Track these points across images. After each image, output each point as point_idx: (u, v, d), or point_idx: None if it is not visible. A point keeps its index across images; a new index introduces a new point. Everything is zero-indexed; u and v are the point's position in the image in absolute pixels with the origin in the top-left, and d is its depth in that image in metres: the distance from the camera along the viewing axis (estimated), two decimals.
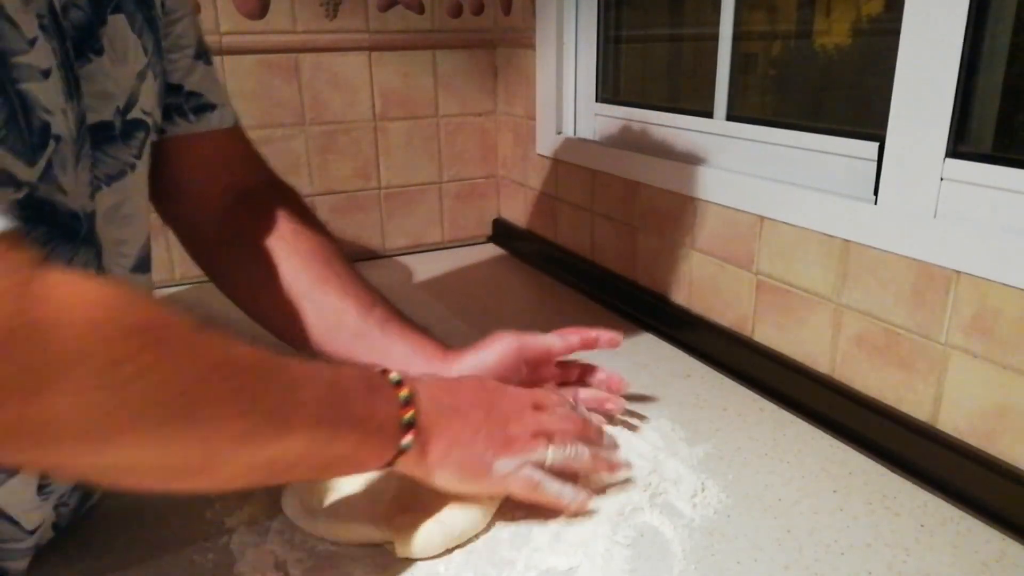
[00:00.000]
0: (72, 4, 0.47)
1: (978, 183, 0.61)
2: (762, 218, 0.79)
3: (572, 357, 0.72)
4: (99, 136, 0.51)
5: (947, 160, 0.62)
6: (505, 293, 1.14)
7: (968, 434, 0.62)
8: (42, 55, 0.42)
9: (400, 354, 0.64)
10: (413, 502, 0.55)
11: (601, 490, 0.59)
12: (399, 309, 0.68)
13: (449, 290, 1.12)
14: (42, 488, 0.49)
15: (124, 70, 0.52)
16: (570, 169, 1.13)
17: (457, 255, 1.30)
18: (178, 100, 0.63)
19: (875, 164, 0.69)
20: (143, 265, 0.58)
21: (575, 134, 1.15)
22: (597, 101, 1.12)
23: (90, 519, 0.57)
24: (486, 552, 0.54)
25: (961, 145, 0.62)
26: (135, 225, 0.56)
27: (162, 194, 0.64)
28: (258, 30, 1.11)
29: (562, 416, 0.59)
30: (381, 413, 0.48)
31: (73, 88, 0.46)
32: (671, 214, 0.93)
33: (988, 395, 0.60)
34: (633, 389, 0.78)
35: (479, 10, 1.24)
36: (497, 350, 0.65)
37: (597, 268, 1.08)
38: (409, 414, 0.49)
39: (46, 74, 0.42)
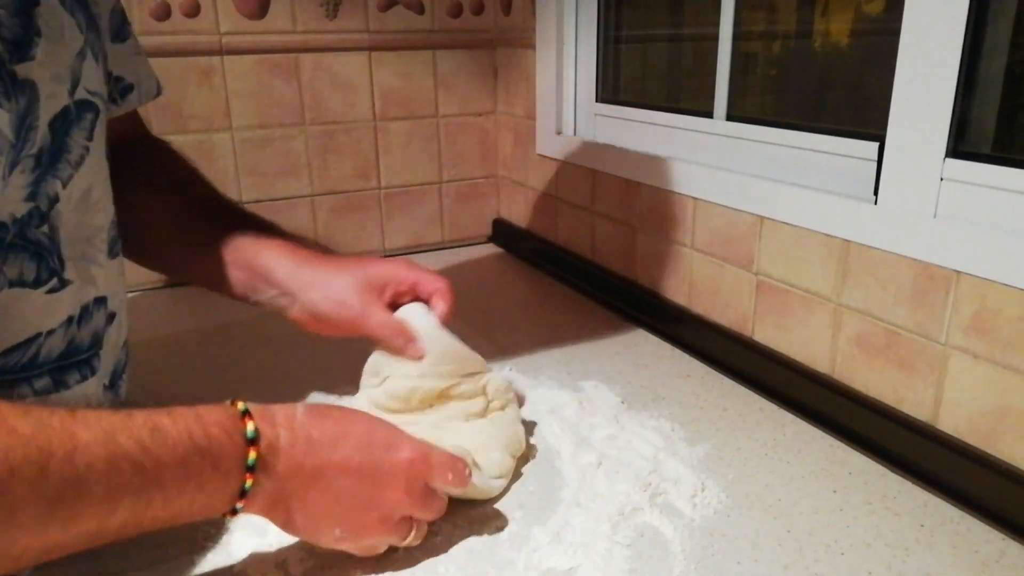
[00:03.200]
0: None
1: (978, 183, 0.61)
2: (762, 218, 0.79)
3: None
4: (66, 122, 0.50)
5: (947, 160, 0.62)
6: (505, 293, 1.14)
7: (968, 434, 0.62)
8: None
9: (268, 264, 0.65)
10: None
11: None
12: (261, 220, 0.71)
13: None
14: None
15: (63, 50, 0.49)
16: (570, 169, 1.13)
17: (457, 255, 1.30)
18: (108, 87, 0.62)
19: (875, 164, 0.69)
20: (114, 249, 0.58)
21: (575, 134, 1.15)
22: (597, 101, 1.12)
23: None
24: (486, 552, 0.54)
25: (961, 145, 0.62)
26: (105, 209, 0.56)
27: None
28: (258, 30, 1.11)
29: (441, 505, 0.53)
30: (215, 486, 0.44)
31: (8, 90, 0.44)
32: (671, 214, 0.92)
33: (988, 395, 0.60)
34: (633, 389, 0.78)
35: (479, 10, 1.24)
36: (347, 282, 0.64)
37: (597, 268, 1.08)
38: (248, 482, 0.44)
39: None
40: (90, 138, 0.53)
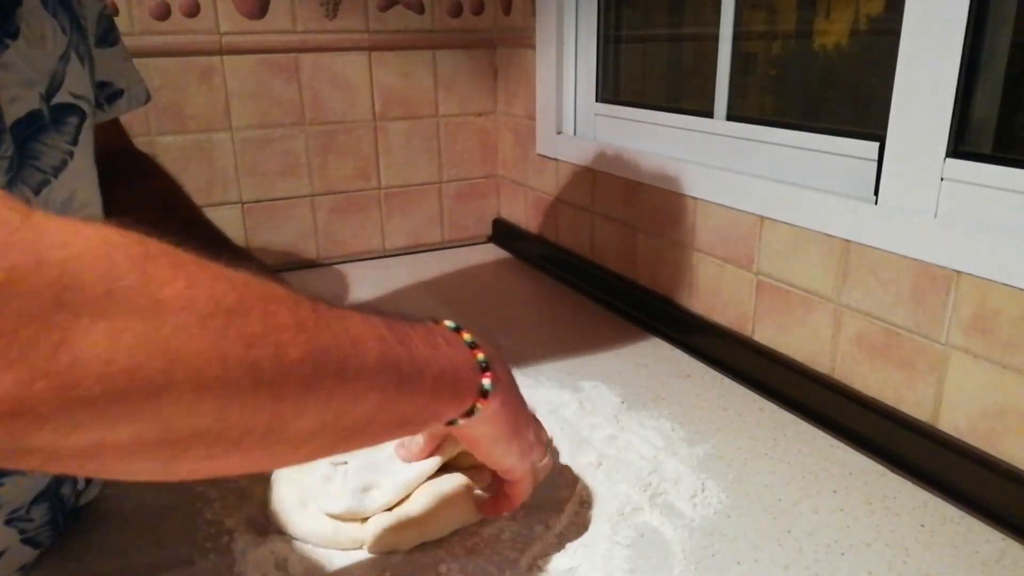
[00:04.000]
0: None
1: (978, 183, 0.61)
2: (762, 218, 0.79)
3: None
4: (32, 127, 0.48)
5: (947, 160, 0.62)
6: (505, 293, 1.14)
7: (968, 434, 0.62)
8: None
9: None
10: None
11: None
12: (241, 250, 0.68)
13: (449, 290, 1.12)
14: None
15: (43, 53, 0.48)
16: (570, 169, 1.13)
17: (457, 255, 1.30)
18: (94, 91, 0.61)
19: (875, 164, 0.69)
20: None
21: (575, 134, 1.15)
22: (597, 101, 1.12)
23: (90, 520, 0.57)
24: (487, 552, 0.54)
25: (961, 145, 0.62)
26: (93, 214, 0.54)
27: None
28: (258, 30, 1.11)
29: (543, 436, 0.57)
30: (456, 357, 0.45)
31: None
32: (671, 214, 0.92)
33: (988, 395, 0.60)
34: (633, 389, 0.78)
35: (479, 10, 1.24)
36: None
37: (597, 268, 1.08)
38: (482, 355, 0.47)
39: None
40: (74, 143, 0.51)
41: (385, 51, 1.20)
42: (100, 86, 0.61)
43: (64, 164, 0.50)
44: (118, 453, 0.29)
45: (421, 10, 1.20)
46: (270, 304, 0.33)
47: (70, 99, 0.51)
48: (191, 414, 0.30)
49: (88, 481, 0.56)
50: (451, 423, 0.46)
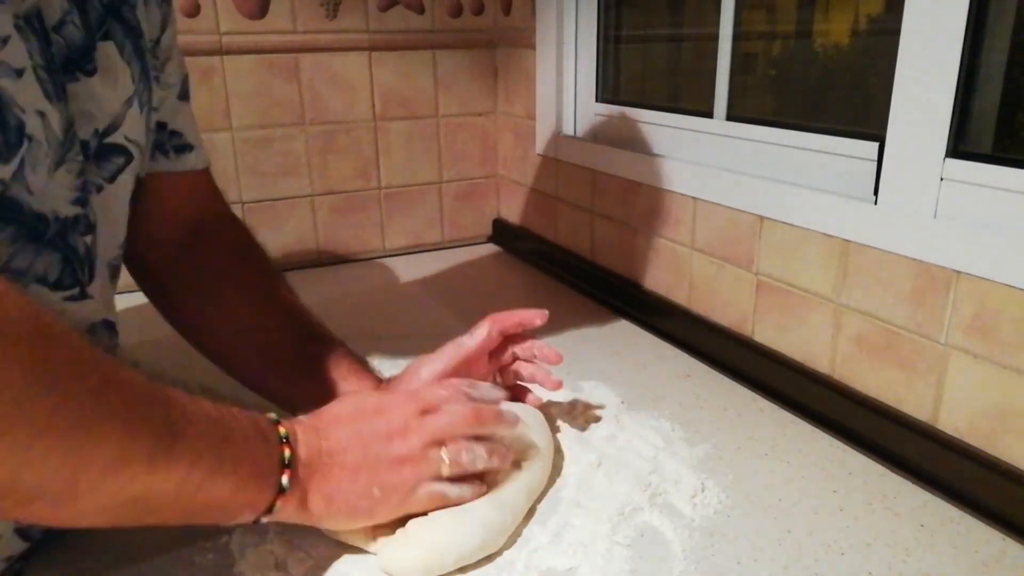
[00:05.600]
0: (70, 21, 0.48)
1: (978, 183, 0.61)
2: (762, 218, 0.79)
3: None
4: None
5: (947, 160, 0.62)
6: (505, 293, 1.14)
7: (968, 434, 0.62)
8: (14, 54, 0.42)
9: (332, 386, 0.63)
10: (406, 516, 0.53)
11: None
12: (336, 339, 0.68)
13: (449, 290, 1.12)
14: None
15: (113, 94, 0.52)
16: (570, 169, 1.13)
17: (457, 255, 1.30)
18: (161, 137, 0.64)
19: (875, 164, 0.69)
20: (115, 276, 0.58)
21: (575, 134, 1.15)
22: (597, 101, 1.12)
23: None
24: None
25: (961, 145, 0.62)
26: (107, 247, 0.55)
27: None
28: (258, 30, 1.11)
29: (452, 414, 0.54)
30: (262, 454, 0.46)
31: (55, 92, 0.46)
32: (671, 214, 0.92)
33: (988, 395, 0.60)
34: (633, 389, 0.78)
35: (479, 10, 1.24)
36: (424, 376, 0.63)
37: (597, 268, 1.08)
38: (287, 452, 0.47)
39: (19, 73, 0.43)
40: (111, 180, 0.54)
41: (385, 51, 1.20)
42: (171, 135, 0.65)
43: (92, 192, 0.52)
44: None
45: (421, 10, 1.20)
46: (103, 393, 0.37)
47: (123, 141, 0.54)
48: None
49: None
50: (255, 522, 0.47)
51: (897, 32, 0.63)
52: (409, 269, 1.22)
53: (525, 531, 0.56)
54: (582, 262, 1.12)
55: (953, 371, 0.62)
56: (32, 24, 0.44)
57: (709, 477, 0.62)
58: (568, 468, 0.64)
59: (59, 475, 0.35)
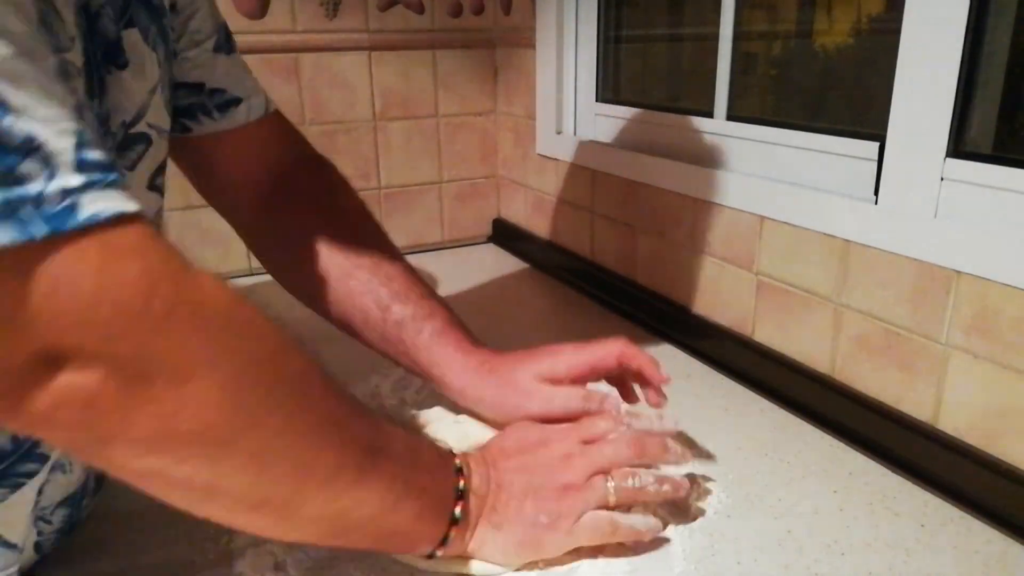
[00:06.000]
0: (105, 14, 0.47)
1: (978, 183, 0.61)
2: (762, 218, 0.79)
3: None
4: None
5: (947, 160, 0.62)
6: (505, 293, 1.14)
7: (968, 434, 0.62)
8: (78, 54, 0.42)
9: (439, 355, 0.63)
10: None
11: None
12: (429, 300, 0.67)
13: (449, 290, 1.12)
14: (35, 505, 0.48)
15: (142, 85, 0.51)
16: (570, 169, 1.13)
17: (457, 255, 1.30)
18: (200, 99, 0.61)
19: (875, 164, 0.69)
20: None
21: (575, 134, 1.15)
22: (597, 101, 1.12)
23: (89, 521, 0.57)
24: None
25: (961, 145, 0.62)
26: None
27: (202, 183, 0.65)
28: (258, 30, 1.11)
29: (615, 443, 0.54)
30: (442, 481, 0.48)
31: (96, 89, 0.46)
32: (671, 214, 0.92)
33: (988, 395, 0.60)
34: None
35: (479, 10, 1.24)
36: (560, 368, 0.61)
37: (597, 268, 1.08)
38: (462, 483, 0.48)
39: (81, 73, 0.43)
40: (132, 168, 0.53)
41: (385, 51, 1.20)
42: (211, 93, 0.61)
43: None
44: (168, 483, 0.36)
45: (421, 10, 1.20)
46: (329, 407, 0.39)
47: (145, 128, 0.53)
48: (230, 476, 0.36)
49: (96, 490, 0.56)
50: (430, 556, 0.49)
51: (897, 32, 0.63)
52: None
53: None
54: (582, 262, 1.11)
55: (953, 371, 0.62)
56: (81, 21, 0.43)
57: (709, 477, 0.62)
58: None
59: (286, 483, 0.38)
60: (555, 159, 1.16)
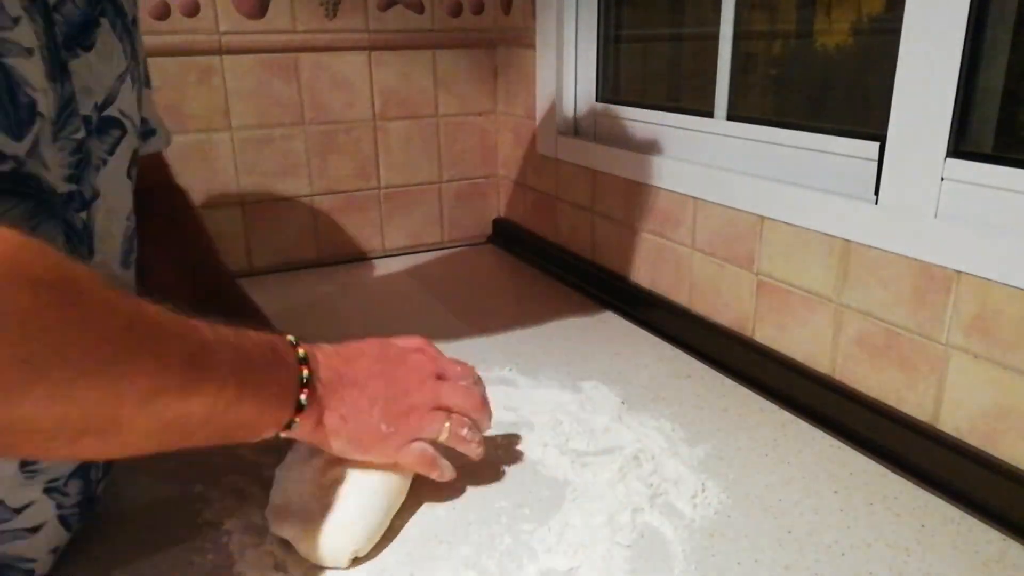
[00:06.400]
0: (70, 0, 0.49)
1: (979, 183, 0.60)
2: (762, 218, 0.79)
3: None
4: (85, 130, 0.52)
5: (948, 160, 0.62)
6: (505, 293, 1.14)
7: (969, 434, 0.62)
8: (25, 33, 0.43)
9: None
10: (315, 504, 0.54)
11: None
12: (253, 311, 0.71)
13: (449, 290, 1.12)
14: (24, 465, 0.48)
15: (108, 68, 0.54)
16: (570, 169, 1.13)
17: (457, 255, 1.30)
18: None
19: (875, 164, 0.69)
20: (128, 260, 0.59)
21: (575, 134, 1.15)
22: (597, 101, 1.12)
23: (90, 521, 0.57)
24: (487, 552, 0.54)
25: (962, 145, 0.62)
26: (119, 219, 0.57)
27: None
28: (258, 30, 1.11)
29: (464, 391, 0.59)
30: (282, 375, 0.49)
31: (55, 72, 0.47)
32: (671, 214, 0.92)
33: (989, 395, 0.60)
34: (633, 389, 0.78)
35: (479, 10, 1.24)
36: None
37: (597, 268, 1.08)
38: (305, 372, 0.50)
39: (30, 52, 0.44)
40: (111, 152, 0.55)
41: (385, 51, 1.19)
42: (141, 121, 0.65)
43: (98, 168, 0.54)
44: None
45: (421, 10, 1.20)
46: (133, 330, 0.39)
47: (117, 114, 0.56)
48: (37, 414, 0.35)
49: (106, 471, 0.57)
50: (276, 436, 0.50)
51: (898, 32, 0.63)
52: (409, 269, 1.22)
53: (526, 531, 0.56)
54: (582, 262, 1.11)
55: (954, 371, 0.62)
56: (37, 5, 0.45)
57: (709, 477, 0.62)
58: (568, 469, 0.64)
59: (101, 410, 0.38)
60: (555, 159, 1.16)
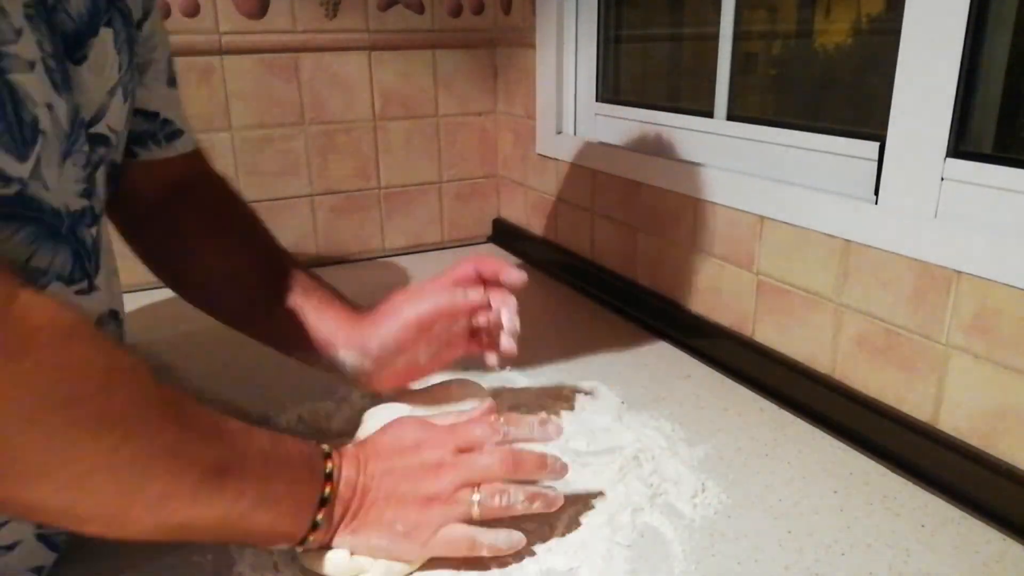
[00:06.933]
0: (63, 10, 0.47)
1: (979, 183, 0.60)
2: (762, 218, 0.79)
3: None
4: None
5: (948, 160, 0.62)
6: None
7: (968, 434, 0.62)
8: (28, 47, 0.42)
9: (316, 329, 0.64)
10: None
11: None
12: (316, 277, 0.69)
13: None
14: None
15: (99, 83, 0.51)
16: (570, 169, 1.13)
17: (457, 255, 1.30)
18: (153, 127, 0.64)
19: (875, 164, 0.69)
20: (109, 271, 0.58)
21: (575, 134, 1.15)
22: (597, 101, 1.12)
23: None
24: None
25: (961, 145, 0.62)
26: (107, 234, 0.56)
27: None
28: (258, 30, 1.11)
29: (490, 456, 0.53)
30: (303, 492, 0.48)
31: (62, 83, 0.46)
32: (671, 214, 0.92)
33: (989, 395, 0.60)
34: (633, 389, 0.78)
35: (479, 10, 1.24)
36: (406, 315, 0.62)
37: (597, 268, 1.08)
38: (327, 490, 0.49)
39: (31, 66, 0.42)
40: (95, 168, 0.53)
41: (385, 51, 1.19)
42: (163, 123, 0.65)
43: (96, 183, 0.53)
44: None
45: (421, 10, 1.20)
46: (167, 427, 0.40)
47: (105, 131, 0.53)
48: (51, 497, 0.37)
49: None
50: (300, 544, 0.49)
51: (897, 32, 0.63)
52: (409, 269, 1.22)
53: (526, 531, 0.56)
54: (582, 262, 1.11)
55: (954, 371, 0.62)
56: (40, 11, 0.43)
57: (709, 477, 0.62)
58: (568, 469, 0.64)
59: (110, 507, 0.39)
60: (555, 159, 1.16)
